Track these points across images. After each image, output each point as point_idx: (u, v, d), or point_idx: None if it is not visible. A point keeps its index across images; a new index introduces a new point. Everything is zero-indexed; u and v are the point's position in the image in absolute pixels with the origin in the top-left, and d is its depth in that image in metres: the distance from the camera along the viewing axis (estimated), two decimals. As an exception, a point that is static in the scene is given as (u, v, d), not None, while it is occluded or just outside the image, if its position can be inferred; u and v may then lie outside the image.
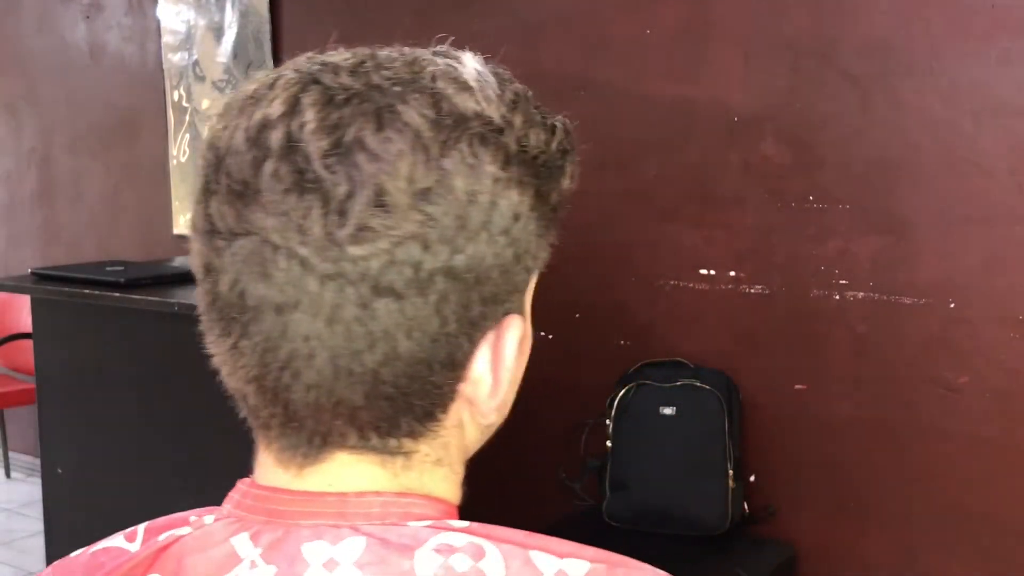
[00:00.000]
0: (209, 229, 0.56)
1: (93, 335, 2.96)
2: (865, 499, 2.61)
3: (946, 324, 2.47)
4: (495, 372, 0.59)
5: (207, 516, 0.60)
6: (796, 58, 2.61)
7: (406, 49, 0.59)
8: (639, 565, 0.58)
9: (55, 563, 0.65)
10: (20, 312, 4.17)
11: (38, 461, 3.35)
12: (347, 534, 0.56)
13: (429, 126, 0.54)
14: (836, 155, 2.58)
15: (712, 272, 2.77)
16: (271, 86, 0.56)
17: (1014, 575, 2.45)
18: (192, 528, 0.60)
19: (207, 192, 0.56)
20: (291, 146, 0.53)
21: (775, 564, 2.61)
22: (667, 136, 2.81)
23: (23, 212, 4.54)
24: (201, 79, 3.91)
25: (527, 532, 0.58)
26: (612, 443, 2.74)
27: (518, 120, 0.57)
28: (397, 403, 0.57)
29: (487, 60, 0.60)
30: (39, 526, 3.44)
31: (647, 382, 2.72)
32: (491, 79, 0.58)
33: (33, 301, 3.10)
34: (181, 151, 4.00)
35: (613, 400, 2.75)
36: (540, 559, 0.55)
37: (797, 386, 2.67)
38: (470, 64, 0.58)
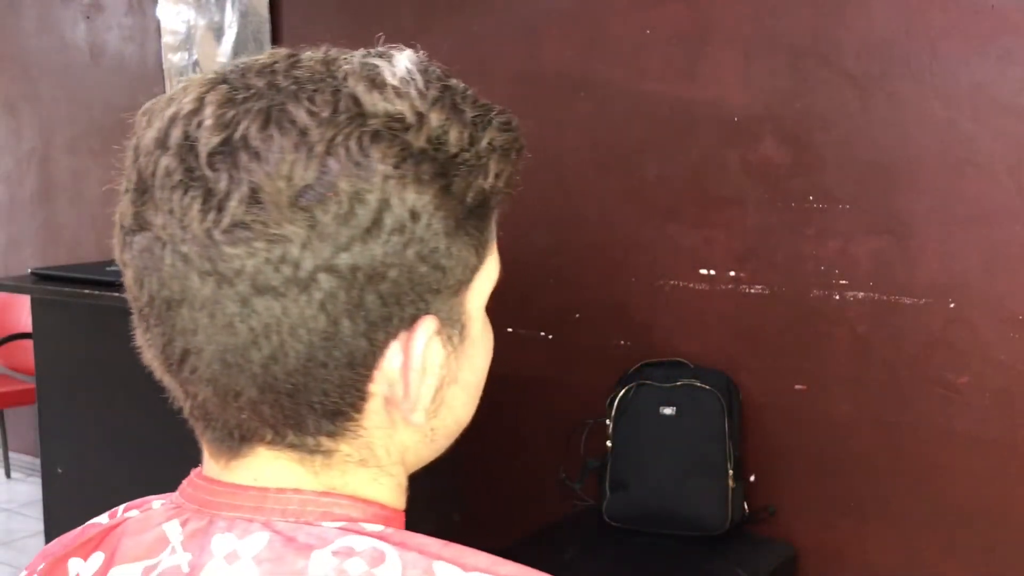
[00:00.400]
0: (120, 225, 0.58)
1: (93, 335, 2.96)
2: (865, 499, 2.61)
3: (946, 324, 2.47)
4: (404, 374, 0.58)
5: (156, 501, 0.63)
6: (796, 58, 2.61)
7: (334, 50, 0.59)
8: None
9: (58, 537, 0.68)
10: (20, 312, 4.17)
11: (38, 461, 3.35)
12: (255, 529, 0.57)
13: (317, 124, 0.54)
14: (836, 155, 2.58)
15: (712, 272, 2.77)
16: (186, 88, 0.57)
17: (1014, 575, 2.45)
18: (140, 511, 0.62)
19: (124, 191, 0.58)
20: (187, 144, 0.54)
21: (775, 564, 2.61)
22: (667, 136, 2.81)
23: (23, 212, 4.54)
24: (201, 79, 3.91)
25: (446, 543, 0.57)
26: (612, 443, 2.74)
27: (436, 117, 0.56)
28: (297, 400, 0.57)
29: (429, 59, 0.59)
30: (39, 526, 3.44)
31: (647, 382, 2.72)
32: (418, 76, 0.57)
33: (33, 301, 3.10)
34: (181, 151, 3.99)
35: (613, 400, 2.75)
36: (442, 570, 0.55)
37: (797, 386, 2.67)
38: (401, 63, 0.57)
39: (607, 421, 2.75)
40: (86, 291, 2.80)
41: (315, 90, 0.55)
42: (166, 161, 0.55)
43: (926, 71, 2.45)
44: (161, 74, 4.00)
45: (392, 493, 0.62)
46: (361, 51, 0.59)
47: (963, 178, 2.43)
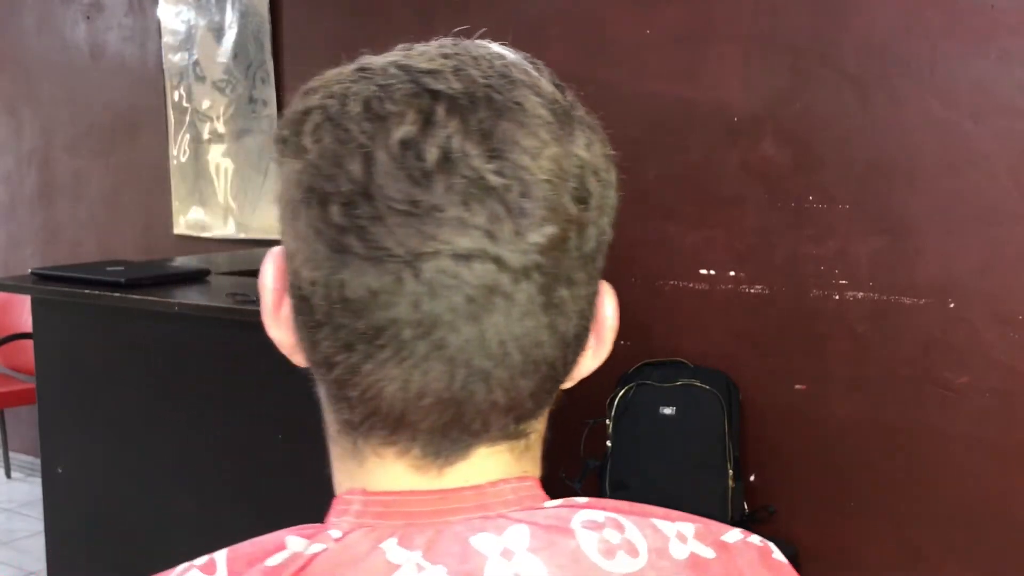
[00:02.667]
0: (374, 256, 0.54)
1: (93, 335, 2.96)
2: (865, 499, 2.61)
3: (946, 324, 2.47)
4: (598, 333, 0.61)
5: (332, 530, 0.57)
6: (796, 58, 2.61)
7: (446, 43, 0.60)
8: (726, 527, 0.61)
9: None
10: (20, 312, 4.17)
11: (38, 461, 3.35)
12: (505, 524, 0.56)
13: (550, 115, 0.56)
14: (836, 155, 2.58)
15: (712, 272, 2.77)
16: (391, 100, 0.55)
17: (1014, 575, 2.45)
18: (323, 544, 0.56)
19: (350, 219, 0.54)
20: (451, 158, 0.54)
21: (775, 564, 2.61)
22: (667, 136, 2.81)
23: (23, 212, 4.54)
24: (201, 79, 3.91)
25: (629, 503, 0.60)
26: (612, 443, 2.74)
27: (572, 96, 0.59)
28: (554, 384, 0.59)
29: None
30: (39, 526, 3.44)
31: (647, 382, 2.72)
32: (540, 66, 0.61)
33: (33, 301, 3.10)
34: (181, 151, 4.00)
35: (613, 400, 2.75)
36: (661, 525, 0.59)
37: (797, 386, 2.67)
38: (509, 54, 0.60)
39: (607, 421, 2.75)
40: (86, 291, 2.80)
41: (518, 86, 0.57)
42: (441, 178, 0.53)
43: (926, 71, 2.45)
44: (161, 74, 4.00)
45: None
46: (456, 42, 0.61)
47: (963, 178, 2.43)
